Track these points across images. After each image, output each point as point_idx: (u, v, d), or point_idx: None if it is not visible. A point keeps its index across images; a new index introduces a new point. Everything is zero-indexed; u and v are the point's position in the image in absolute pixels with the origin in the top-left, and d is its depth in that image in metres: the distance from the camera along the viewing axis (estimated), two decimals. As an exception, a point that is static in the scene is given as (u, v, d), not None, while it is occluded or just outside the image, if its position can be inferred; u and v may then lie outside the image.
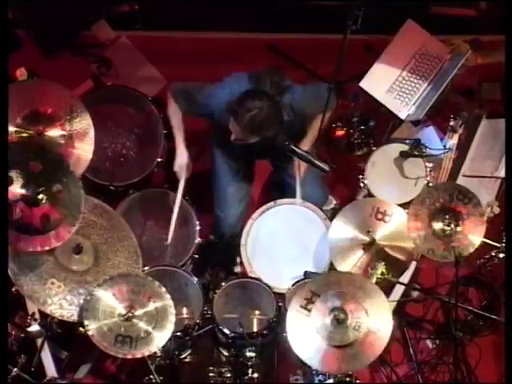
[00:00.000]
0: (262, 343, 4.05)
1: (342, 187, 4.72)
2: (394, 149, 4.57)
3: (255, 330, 4.06)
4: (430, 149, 4.46)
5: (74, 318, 3.85)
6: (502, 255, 4.37)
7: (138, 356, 3.73)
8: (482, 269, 4.67)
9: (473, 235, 4.01)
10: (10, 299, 3.81)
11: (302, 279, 4.19)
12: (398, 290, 4.47)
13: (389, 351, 4.53)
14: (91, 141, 4.04)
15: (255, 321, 4.09)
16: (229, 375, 4.06)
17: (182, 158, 4.36)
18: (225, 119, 3.98)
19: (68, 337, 4.28)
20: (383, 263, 4.05)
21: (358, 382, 4.03)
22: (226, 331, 4.01)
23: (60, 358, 4.34)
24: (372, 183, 4.54)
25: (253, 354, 4.02)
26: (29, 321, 3.96)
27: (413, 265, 4.41)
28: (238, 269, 4.61)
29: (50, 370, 4.12)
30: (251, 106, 3.83)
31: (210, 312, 4.10)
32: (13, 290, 3.84)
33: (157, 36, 5.52)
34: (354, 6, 4.28)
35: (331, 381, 3.98)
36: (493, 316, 4.51)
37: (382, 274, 4.03)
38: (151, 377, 3.92)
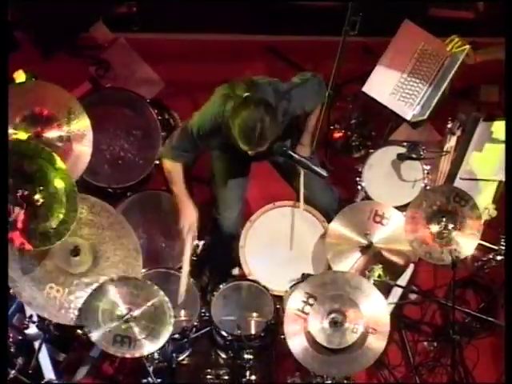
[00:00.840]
0: (259, 345, 4.06)
1: (339, 189, 4.72)
2: (392, 151, 4.58)
3: (253, 332, 4.06)
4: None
5: (73, 322, 3.84)
6: (499, 258, 4.39)
7: (137, 355, 3.73)
8: (479, 271, 4.67)
9: (470, 238, 4.01)
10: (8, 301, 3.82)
11: (299, 281, 4.19)
12: (396, 293, 4.48)
13: (386, 353, 4.52)
14: (89, 143, 4.04)
15: (253, 323, 4.09)
16: (226, 377, 4.07)
17: (191, 217, 4.22)
18: (222, 135, 3.98)
19: (66, 339, 4.28)
20: (380, 266, 4.06)
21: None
22: (224, 333, 4.02)
23: (58, 361, 4.34)
24: (369, 185, 4.54)
25: (250, 356, 4.03)
26: (27, 323, 3.96)
27: (410, 267, 4.42)
28: (235, 271, 4.61)
29: (48, 372, 4.13)
30: (252, 124, 3.68)
31: (207, 314, 4.10)
32: (11, 291, 3.84)
33: (155, 38, 5.52)
34: (352, 10, 4.29)
35: (329, 383, 3.98)
36: (490, 318, 4.52)
37: (380, 276, 4.03)
38: (149, 379, 3.93)
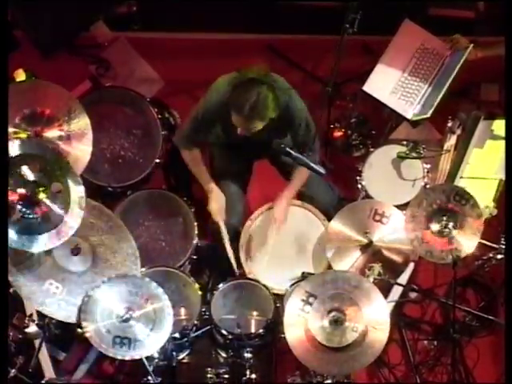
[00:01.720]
0: (259, 344, 4.06)
1: (339, 188, 4.72)
2: (392, 150, 4.57)
3: (253, 330, 4.06)
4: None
5: (73, 319, 3.85)
6: (499, 256, 4.39)
7: (136, 357, 3.73)
8: (479, 270, 4.67)
9: (470, 236, 4.01)
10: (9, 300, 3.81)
11: (299, 280, 4.19)
12: (396, 291, 4.48)
13: (387, 352, 4.53)
14: (89, 142, 4.03)
15: (253, 322, 4.09)
16: (227, 376, 4.07)
17: (219, 200, 4.33)
18: (224, 119, 3.98)
19: (66, 338, 4.28)
20: (380, 264, 4.06)
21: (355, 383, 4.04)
22: (224, 332, 4.02)
23: (58, 360, 4.35)
24: (369, 184, 4.54)
25: (251, 355, 4.03)
26: (27, 322, 3.95)
27: (410, 266, 4.42)
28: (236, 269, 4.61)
29: (48, 371, 4.12)
30: (248, 95, 3.78)
31: (207, 313, 4.10)
32: (11, 291, 3.85)
33: (155, 37, 5.52)
34: (351, 9, 4.29)
35: (329, 382, 3.99)
36: (491, 317, 4.53)
37: (380, 274, 4.03)
38: (149, 378, 3.93)
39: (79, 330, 3.77)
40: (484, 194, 4.32)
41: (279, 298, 4.15)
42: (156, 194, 4.55)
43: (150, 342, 3.75)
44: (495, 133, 4.41)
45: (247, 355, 4.02)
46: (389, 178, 4.56)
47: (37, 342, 4.04)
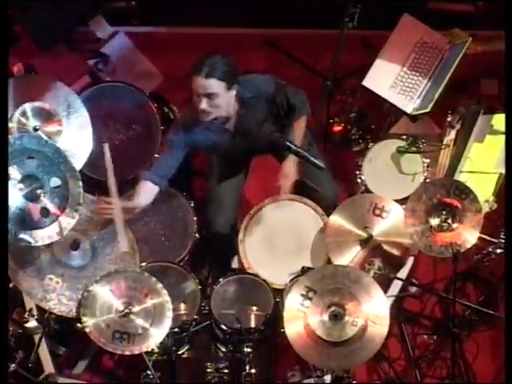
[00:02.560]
0: (259, 339, 4.06)
1: (339, 183, 4.71)
2: (392, 144, 4.57)
3: (253, 325, 4.05)
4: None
5: (73, 313, 3.86)
6: (499, 250, 4.38)
7: (136, 352, 3.74)
8: (479, 264, 4.66)
9: (470, 231, 4.01)
10: (8, 295, 3.81)
11: (299, 275, 4.19)
12: (396, 286, 4.48)
13: (386, 347, 4.53)
14: (89, 137, 4.04)
15: (253, 316, 4.08)
16: (226, 371, 4.06)
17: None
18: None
19: (65, 333, 4.28)
20: (380, 259, 4.06)
21: (354, 380, 4.04)
22: (224, 327, 4.02)
23: (57, 354, 4.34)
24: (369, 179, 4.54)
25: (250, 350, 4.02)
26: (26, 317, 3.97)
27: (410, 260, 4.42)
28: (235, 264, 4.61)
29: (48, 365, 4.13)
30: (208, 60, 3.84)
31: (207, 308, 4.10)
32: (10, 285, 3.85)
33: (154, 31, 5.52)
34: (351, 3, 4.28)
35: (329, 376, 3.99)
36: (490, 311, 4.53)
37: (379, 269, 4.03)
38: (148, 372, 3.93)
39: (79, 324, 3.78)
40: (484, 188, 4.32)
41: (279, 293, 4.15)
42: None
43: (149, 337, 3.76)
44: (495, 127, 4.41)
45: (247, 350, 4.02)
46: (388, 172, 4.56)
47: (36, 337, 4.04)
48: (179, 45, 5.45)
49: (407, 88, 4.58)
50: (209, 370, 4.07)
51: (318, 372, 4.01)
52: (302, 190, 4.44)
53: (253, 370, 3.99)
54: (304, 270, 4.20)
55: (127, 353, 3.73)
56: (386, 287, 4.33)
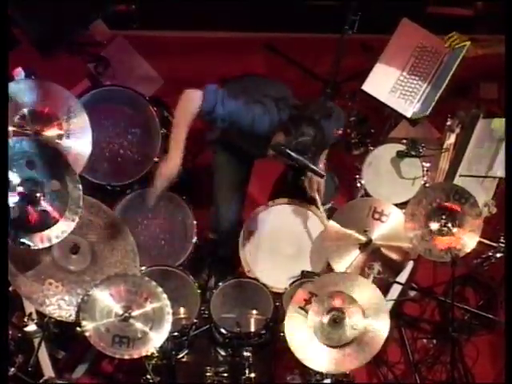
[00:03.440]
0: (259, 343, 4.06)
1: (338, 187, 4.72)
2: (391, 148, 4.58)
3: (252, 329, 4.06)
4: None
5: (73, 318, 3.85)
6: (498, 255, 4.39)
7: (136, 356, 3.73)
8: (478, 268, 4.66)
9: (469, 235, 4.01)
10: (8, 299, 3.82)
11: (299, 279, 4.19)
12: (395, 290, 4.48)
13: (386, 351, 4.53)
14: (88, 141, 4.03)
15: (252, 320, 4.09)
16: (226, 375, 4.06)
17: (172, 167, 3.94)
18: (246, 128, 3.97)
19: (65, 337, 4.27)
20: (380, 263, 4.06)
21: (354, 381, 4.04)
22: (223, 331, 4.02)
23: (57, 358, 4.33)
24: (369, 183, 4.55)
25: (250, 354, 4.02)
26: (26, 321, 3.96)
27: (410, 264, 4.42)
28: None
29: (48, 369, 4.12)
30: (306, 131, 3.76)
31: (207, 312, 4.10)
32: (10, 289, 3.85)
33: (154, 35, 5.51)
34: (351, 10, 4.29)
35: (328, 380, 3.98)
36: (490, 315, 4.53)
37: (379, 273, 4.03)
38: (148, 376, 3.93)
39: (78, 328, 3.77)
40: (483, 192, 4.32)
41: (279, 297, 4.15)
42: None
43: (149, 341, 3.75)
44: (494, 131, 4.41)
45: (246, 354, 4.02)
46: (388, 176, 4.57)
47: (36, 341, 4.03)
48: (179, 48, 5.44)
49: (407, 92, 4.59)
50: (208, 374, 4.07)
51: (318, 376, 4.00)
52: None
53: (252, 374, 3.99)
54: (304, 274, 4.20)
55: (127, 357, 3.73)
56: (385, 291, 4.33)
